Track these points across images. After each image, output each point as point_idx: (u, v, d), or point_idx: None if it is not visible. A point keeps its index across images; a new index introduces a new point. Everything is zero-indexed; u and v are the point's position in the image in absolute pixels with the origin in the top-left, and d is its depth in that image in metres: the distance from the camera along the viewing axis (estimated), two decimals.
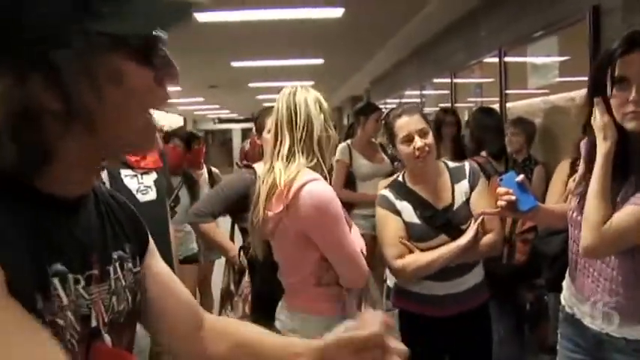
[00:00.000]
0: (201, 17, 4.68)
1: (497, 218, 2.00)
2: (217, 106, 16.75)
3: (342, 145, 3.89)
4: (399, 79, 7.91)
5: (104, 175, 2.03)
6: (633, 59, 1.37)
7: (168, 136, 3.74)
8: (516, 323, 2.82)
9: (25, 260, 0.57)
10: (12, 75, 0.57)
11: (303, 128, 1.64)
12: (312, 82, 8.46)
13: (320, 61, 7.63)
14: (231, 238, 2.66)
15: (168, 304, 0.84)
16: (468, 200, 2.01)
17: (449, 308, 2.01)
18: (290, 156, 1.64)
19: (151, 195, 2.20)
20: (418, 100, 6.92)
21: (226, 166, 10.44)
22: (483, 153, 3.05)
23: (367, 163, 3.87)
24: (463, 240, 1.92)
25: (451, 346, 2.11)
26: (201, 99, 13.19)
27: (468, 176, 2.04)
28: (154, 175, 2.25)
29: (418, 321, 2.05)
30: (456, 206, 2.00)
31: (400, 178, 2.11)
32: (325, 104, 1.72)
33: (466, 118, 4.07)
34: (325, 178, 1.64)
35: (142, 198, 2.15)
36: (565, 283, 1.69)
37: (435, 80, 6.07)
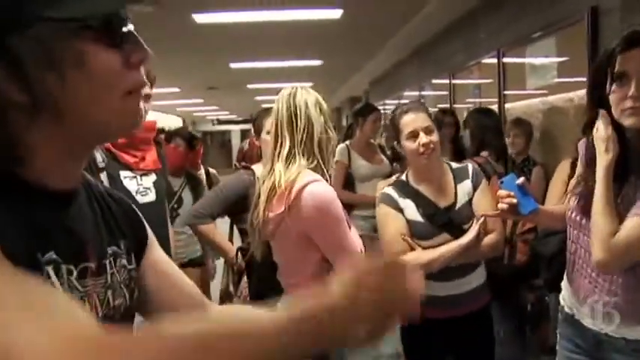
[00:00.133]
0: (200, 18, 4.69)
1: (499, 219, 2.00)
2: (216, 108, 16.75)
3: (341, 146, 3.89)
4: (398, 80, 7.92)
5: (103, 176, 2.03)
6: (633, 55, 1.37)
7: (170, 135, 3.67)
8: (517, 324, 2.82)
9: (17, 246, 0.56)
10: None
11: (304, 130, 1.64)
12: (311, 83, 8.46)
13: (319, 62, 7.64)
14: (230, 240, 2.66)
15: (171, 296, 0.84)
16: (470, 200, 2.01)
17: (451, 310, 2.01)
18: (290, 157, 1.64)
19: (151, 196, 2.20)
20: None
21: (225, 167, 10.45)
22: (483, 153, 3.05)
23: (366, 164, 3.87)
24: (465, 239, 1.92)
25: (453, 348, 2.11)
26: (200, 100, 13.19)
27: (471, 177, 2.04)
28: (153, 177, 2.25)
29: (421, 323, 2.05)
30: (458, 205, 2.01)
31: (403, 178, 2.12)
32: (325, 105, 1.72)
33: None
34: (326, 180, 1.64)
35: (141, 199, 2.15)
36: (564, 284, 1.69)
37: (434, 81, 6.08)
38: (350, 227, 1.71)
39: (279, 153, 1.66)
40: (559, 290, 1.73)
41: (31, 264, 0.59)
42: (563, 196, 1.72)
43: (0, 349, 0.46)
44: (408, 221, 1.99)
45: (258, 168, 2.32)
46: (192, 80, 8.58)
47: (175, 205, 3.32)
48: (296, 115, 1.65)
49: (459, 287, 2.01)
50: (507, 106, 4.11)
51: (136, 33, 0.64)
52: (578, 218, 1.56)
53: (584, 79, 2.91)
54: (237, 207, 2.18)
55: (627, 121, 1.39)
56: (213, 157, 17.15)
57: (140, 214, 0.84)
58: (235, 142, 20.63)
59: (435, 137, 1.98)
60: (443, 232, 1.97)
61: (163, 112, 12.94)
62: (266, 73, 8.12)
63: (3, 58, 0.56)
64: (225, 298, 2.53)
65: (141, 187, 2.18)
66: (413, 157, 2.00)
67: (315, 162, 1.65)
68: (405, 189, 2.05)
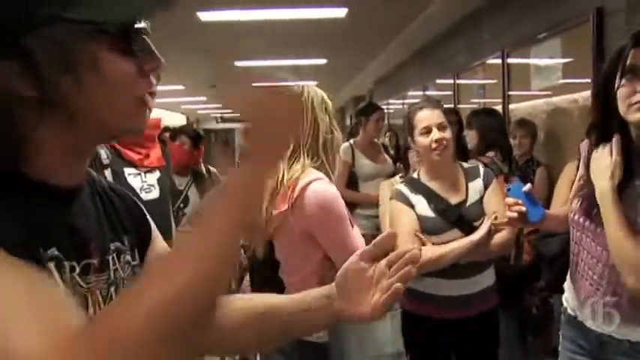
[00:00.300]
0: (205, 17, 4.69)
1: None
2: (220, 105, 16.75)
3: (345, 144, 3.90)
4: (402, 80, 7.91)
5: (108, 173, 2.04)
6: None
7: (175, 133, 3.64)
8: (520, 326, 2.82)
9: (18, 243, 0.56)
10: None
11: (310, 131, 1.65)
12: (315, 82, 8.47)
13: (323, 61, 7.63)
14: None
15: None
16: (481, 199, 2.02)
17: (460, 311, 2.01)
18: (294, 157, 1.65)
19: (154, 193, 2.21)
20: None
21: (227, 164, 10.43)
22: (489, 154, 3.05)
23: (370, 164, 3.87)
24: (476, 236, 1.92)
25: (457, 349, 2.11)
26: (204, 98, 13.20)
27: (482, 176, 2.06)
28: (157, 174, 2.26)
29: (426, 322, 2.06)
30: (469, 202, 2.02)
31: (415, 175, 2.13)
32: (330, 104, 1.72)
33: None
34: (330, 179, 1.65)
35: (145, 196, 2.16)
36: (566, 285, 1.69)
37: (438, 81, 6.07)
38: (353, 226, 1.71)
39: None
40: (561, 291, 1.73)
41: (34, 260, 0.58)
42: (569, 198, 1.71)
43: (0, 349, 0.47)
44: (419, 217, 2.00)
45: None
46: (196, 78, 8.59)
47: (182, 205, 3.27)
48: (302, 115, 1.65)
49: (469, 287, 2.01)
50: (511, 106, 4.11)
51: (150, 42, 0.65)
52: (581, 220, 1.56)
53: (589, 81, 2.91)
54: None
55: (634, 116, 1.38)
56: (217, 155, 17.11)
57: (144, 210, 0.84)
58: (239, 140, 20.61)
59: (447, 134, 2.00)
60: (454, 229, 1.98)
61: (168, 110, 12.96)
62: (270, 71, 8.12)
63: (17, 55, 0.57)
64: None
65: (145, 184, 2.18)
66: (425, 152, 2.02)
67: (320, 161, 1.66)
68: (416, 185, 2.06)
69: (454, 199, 2.02)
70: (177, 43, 5.11)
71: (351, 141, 4.00)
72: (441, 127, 1.99)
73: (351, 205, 3.33)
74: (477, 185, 2.05)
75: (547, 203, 1.99)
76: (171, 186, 2.71)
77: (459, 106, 5.15)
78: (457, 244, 1.94)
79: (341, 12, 4.81)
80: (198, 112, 18.12)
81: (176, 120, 12.58)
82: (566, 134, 3.31)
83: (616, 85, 1.41)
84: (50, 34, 0.57)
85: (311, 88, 1.71)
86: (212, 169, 4.23)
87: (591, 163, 1.50)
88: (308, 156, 1.64)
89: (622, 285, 1.46)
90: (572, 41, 3.24)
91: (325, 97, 1.71)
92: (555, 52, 3.43)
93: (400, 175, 2.83)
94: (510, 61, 4.08)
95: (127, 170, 2.14)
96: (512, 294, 2.58)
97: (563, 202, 1.81)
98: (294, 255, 1.71)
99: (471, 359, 2.13)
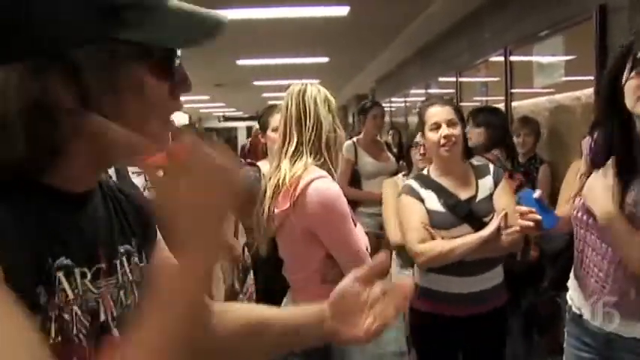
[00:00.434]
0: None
1: (518, 215, 2.02)
2: (223, 104, 16.77)
3: (348, 142, 3.90)
4: (404, 78, 7.90)
5: (111, 171, 2.04)
6: None
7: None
8: (525, 323, 2.82)
9: (25, 255, 0.57)
10: (30, 67, 0.57)
11: (312, 129, 1.65)
12: (317, 81, 8.47)
13: (325, 59, 7.63)
14: (235, 236, 2.67)
15: None
16: (491, 195, 2.03)
17: (471, 308, 2.02)
18: (297, 155, 1.65)
19: None
20: (423, 99, 6.91)
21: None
22: (494, 151, 3.05)
23: (372, 162, 3.87)
24: (486, 231, 1.93)
25: (466, 345, 2.12)
26: (206, 97, 13.21)
27: (492, 173, 2.08)
28: (160, 173, 2.26)
29: (436, 320, 2.06)
30: (479, 198, 2.03)
31: (425, 172, 2.15)
32: (334, 102, 1.73)
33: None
34: (332, 177, 1.65)
35: (149, 195, 2.16)
36: (571, 283, 1.69)
37: (441, 79, 6.06)
38: (355, 224, 1.71)
39: (286, 150, 1.67)
40: (564, 289, 1.73)
41: (42, 271, 0.59)
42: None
43: None
44: (429, 211, 2.01)
45: (263, 164, 2.33)
46: (198, 77, 8.59)
47: None
48: (305, 113, 1.66)
49: (479, 284, 2.01)
50: (514, 104, 4.10)
51: (183, 67, 0.67)
52: (584, 217, 1.56)
53: (592, 78, 2.91)
54: (243, 203, 2.18)
55: None
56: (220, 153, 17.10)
57: (151, 210, 0.84)
58: (241, 138, 20.66)
59: (457, 131, 2.02)
60: (463, 224, 1.98)
61: None
62: (272, 70, 8.12)
63: (65, 66, 0.58)
64: (231, 295, 2.54)
65: (148, 182, 2.18)
66: (434, 148, 2.04)
67: (323, 159, 1.66)
68: (426, 181, 2.08)
69: (464, 195, 2.03)
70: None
71: (354, 139, 4.00)
72: (450, 124, 2.01)
73: (354, 203, 3.34)
74: (487, 182, 2.06)
75: (550, 201, 1.99)
76: None
77: (462, 104, 5.15)
78: (467, 239, 1.94)
79: (343, 10, 4.81)
80: (201, 110, 18.14)
81: (178, 118, 12.59)
82: (569, 132, 3.30)
83: (624, 79, 1.40)
84: (98, 50, 0.59)
85: (314, 86, 1.72)
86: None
87: (585, 189, 1.49)
88: (310, 154, 1.64)
89: (628, 281, 1.46)
90: (574, 39, 3.24)
91: (328, 95, 1.71)
92: (558, 49, 3.43)
93: (403, 173, 2.83)
94: (513, 58, 4.08)
95: (131, 169, 2.14)
96: (518, 291, 2.58)
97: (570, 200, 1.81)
98: (296, 253, 1.71)
99: (478, 356, 2.14)
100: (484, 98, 4.77)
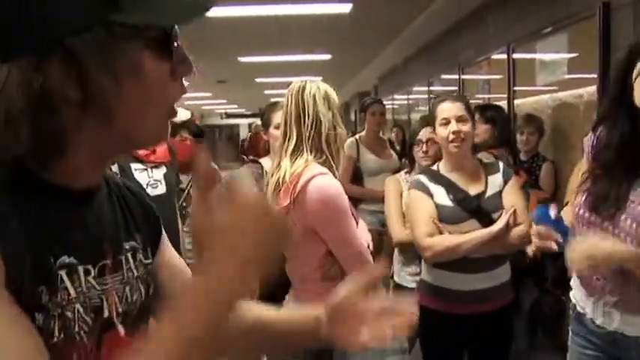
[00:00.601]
0: (210, 12, 4.69)
1: (526, 212, 2.03)
2: (225, 101, 16.77)
3: (350, 140, 3.89)
4: (407, 75, 7.89)
5: (115, 168, 2.05)
6: None
7: (175, 128, 3.48)
8: (530, 321, 2.82)
9: (27, 255, 0.57)
10: (32, 60, 0.58)
11: (311, 126, 1.65)
12: (319, 78, 8.46)
13: (328, 56, 7.63)
14: None
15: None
16: (500, 192, 2.04)
17: (474, 305, 2.02)
18: (297, 152, 1.65)
19: (161, 189, 2.21)
20: (425, 97, 6.90)
21: (232, 160, 10.48)
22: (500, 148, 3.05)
23: (375, 159, 3.86)
24: (495, 227, 1.93)
25: (473, 343, 2.12)
26: (208, 94, 13.21)
27: (502, 171, 2.09)
28: (163, 169, 2.27)
29: (443, 317, 2.06)
30: (488, 194, 2.03)
31: (435, 167, 2.16)
32: (335, 99, 1.72)
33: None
34: (334, 174, 1.65)
35: (152, 192, 2.17)
36: (574, 281, 1.69)
37: (443, 76, 6.05)
38: (357, 222, 1.71)
39: (287, 147, 1.67)
40: (565, 287, 1.73)
41: (43, 270, 0.59)
42: None
43: None
44: (437, 205, 2.01)
45: (265, 161, 2.33)
46: (201, 74, 8.58)
47: (184, 204, 3.17)
48: (304, 111, 1.66)
49: (486, 281, 2.01)
50: (517, 102, 4.10)
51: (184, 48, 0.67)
52: (586, 215, 1.55)
53: (595, 76, 2.90)
54: None
55: None
56: (221, 150, 17.15)
57: (155, 208, 0.84)
58: (243, 136, 20.68)
59: (466, 128, 2.02)
60: (472, 219, 1.99)
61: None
62: (275, 67, 8.12)
63: (63, 55, 0.58)
64: None
65: (151, 179, 2.19)
66: (443, 143, 2.06)
67: (324, 157, 1.66)
68: (435, 176, 2.08)
69: (473, 191, 2.04)
70: (181, 38, 5.11)
71: (356, 136, 3.99)
72: (460, 120, 2.02)
73: (356, 201, 3.34)
74: (496, 179, 2.06)
75: (554, 198, 1.99)
76: (177, 181, 2.70)
77: None
78: (475, 234, 1.94)
79: (345, 7, 4.80)
80: (203, 107, 18.14)
81: (181, 115, 12.59)
82: (572, 129, 3.30)
83: (634, 75, 1.40)
84: (95, 36, 0.58)
85: (314, 83, 1.72)
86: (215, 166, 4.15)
87: (601, 256, 1.43)
88: (311, 151, 1.65)
89: (630, 280, 1.46)
90: (577, 36, 3.23)
91: (329, 91, 1.71)
92: (561, 47, 3.42)
93: (405, 170, 2.83)
94: (516, 56, 4.07)
95: (134, 165, 2.15)
96: (525, 287, 2.58)
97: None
98: (297, 250, 1.72)
99: (484, 354, 2.14)
100: (487, 96, 4.77)
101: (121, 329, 0.69)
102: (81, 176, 0.66)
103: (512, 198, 2.01)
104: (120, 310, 0.69)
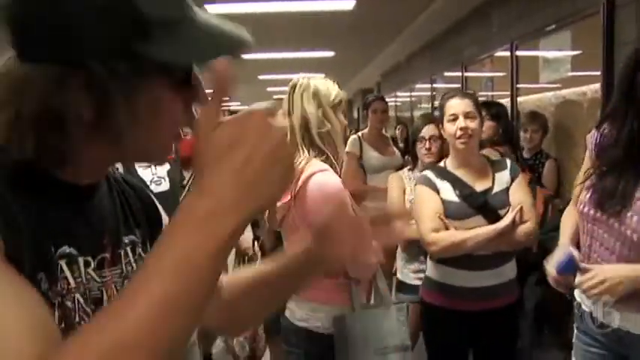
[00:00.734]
0: (213, 9, 4.70)
1: (533, 209, 2.03)
2: (227, 98, 16.76)
3: (353, 137, 3.90)
4: (410, 72, 7.88)
5: (118, 164, 2.05)
6: None
7: None
8: (535, 318, 2.81)
9: (27, 241, 0.57)
10: (53, 74, 0.58)
11: (300, 126, 1.67)
12: (322, 75, 8.45)
13: (331, 53, 7.62)
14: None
15: None
16: (507, 189, 2.03)
17: (479, 302, 2.01)
18: (296, 150, 1.66)
19: (164, 185, 2.22)
20: (428, 94, 6.90)
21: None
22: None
23: (377, 156, 3.87)
24: (501, 224, 1.93)
25: (478, 340, 2.12)
26: (210, 91, 13.24)
27: (509, 168, 2.09)
28: (166, 166, 2.27)
29: (446, 314, 2.06)
30: (495, 190, 2.03)
31: (442, 164, 2.16)
32: (326, 95, 1.70)
33: None
34: (336, 171, 1.65)
35: (155, 189, 2.17)
36: (578, 279, 1.69)
37: (446, 74, 6.05)
38: None
39: None
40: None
41: (43, 257, 0.60)
42: None
43: None
44: (444, 201, 2.01)
45: None
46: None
47: None
48: (292, 111, 1.68)
49: (492, 278, 2.01)
50: (520, 99, 4.09)
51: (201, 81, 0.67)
52: (591, 212, 1.55)
53: (598, 73, 2.90)
54: None
55: None
56: None
57: (156, 201, 0.85)
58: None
59: (474, 124, 2.02)
60: (478, 215, 1.98)
61: None
62: (278, 64, 8.11)
63: (86, 73, 0.58)
64: None
65: (155, 176, 2.20)
66: (450, 139, 2.06)
67: (325, 155, 1.67)
68: (442, 172, 2.09)
69: (480, 187, 2.04)
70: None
71: (359, 133, 3.99)
72: (467, 116, 2.01)
73: (359, 198, 3.34)
74: (503, 176, 2.06)
75: (557, 195, 1.98)
76: (180, 177, 2.71)
77: None
78: (481, 230, 1.94)
79: (349, 4, 4.80)
80: None
81: None
82: (575, 127, 3.29)
83: (638, 79, 1.40)
84: (123, 66, 0.58)
85: (304, 80, 1.72)
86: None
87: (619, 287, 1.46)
88: (308, 149, 1.66)
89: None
90: (581, 34, 3.22)
91: (320, 88, 1.70)
92: (564, 44, 3.41)
93: (408, 167, 2.83)
94: (519, 53, 4.07)
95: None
96: (530, 284, 2.57)
97: None
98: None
99: (490, 351, 2.13)
100: (490, 93, 4.76)
101: None
102: (86, 176, 0.67)
103: (519, 195, 2.01)
104: None
